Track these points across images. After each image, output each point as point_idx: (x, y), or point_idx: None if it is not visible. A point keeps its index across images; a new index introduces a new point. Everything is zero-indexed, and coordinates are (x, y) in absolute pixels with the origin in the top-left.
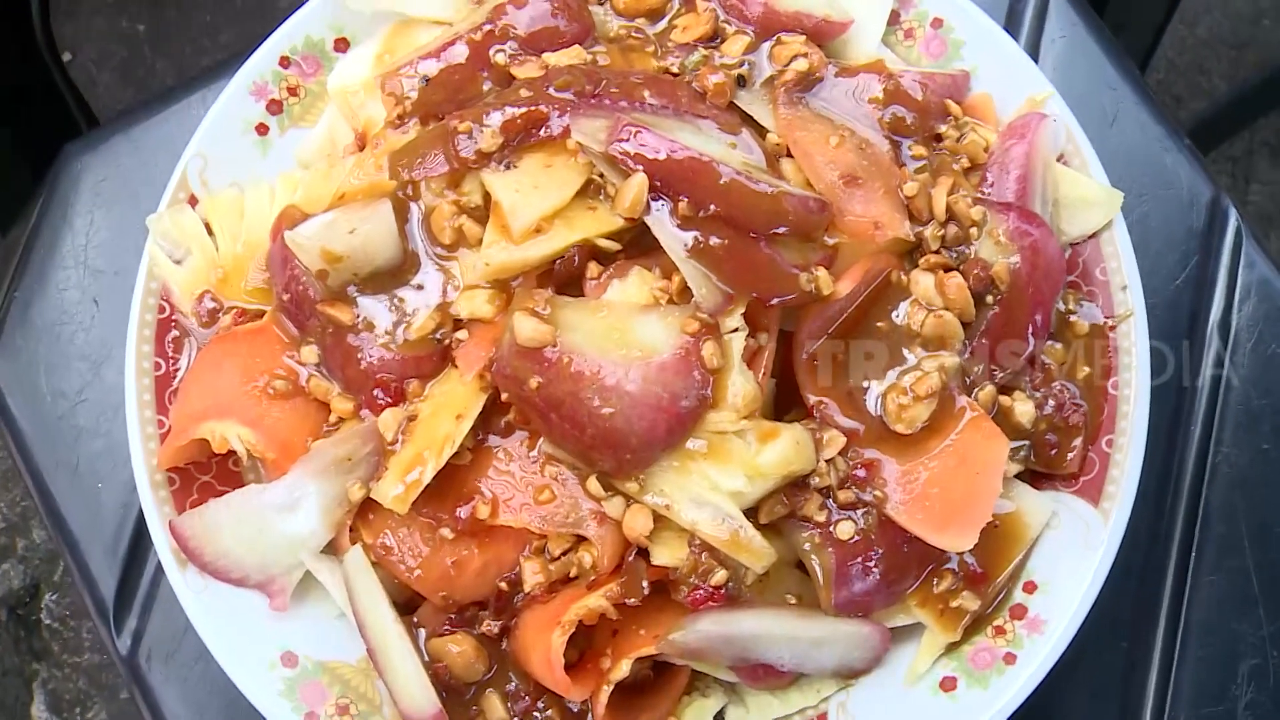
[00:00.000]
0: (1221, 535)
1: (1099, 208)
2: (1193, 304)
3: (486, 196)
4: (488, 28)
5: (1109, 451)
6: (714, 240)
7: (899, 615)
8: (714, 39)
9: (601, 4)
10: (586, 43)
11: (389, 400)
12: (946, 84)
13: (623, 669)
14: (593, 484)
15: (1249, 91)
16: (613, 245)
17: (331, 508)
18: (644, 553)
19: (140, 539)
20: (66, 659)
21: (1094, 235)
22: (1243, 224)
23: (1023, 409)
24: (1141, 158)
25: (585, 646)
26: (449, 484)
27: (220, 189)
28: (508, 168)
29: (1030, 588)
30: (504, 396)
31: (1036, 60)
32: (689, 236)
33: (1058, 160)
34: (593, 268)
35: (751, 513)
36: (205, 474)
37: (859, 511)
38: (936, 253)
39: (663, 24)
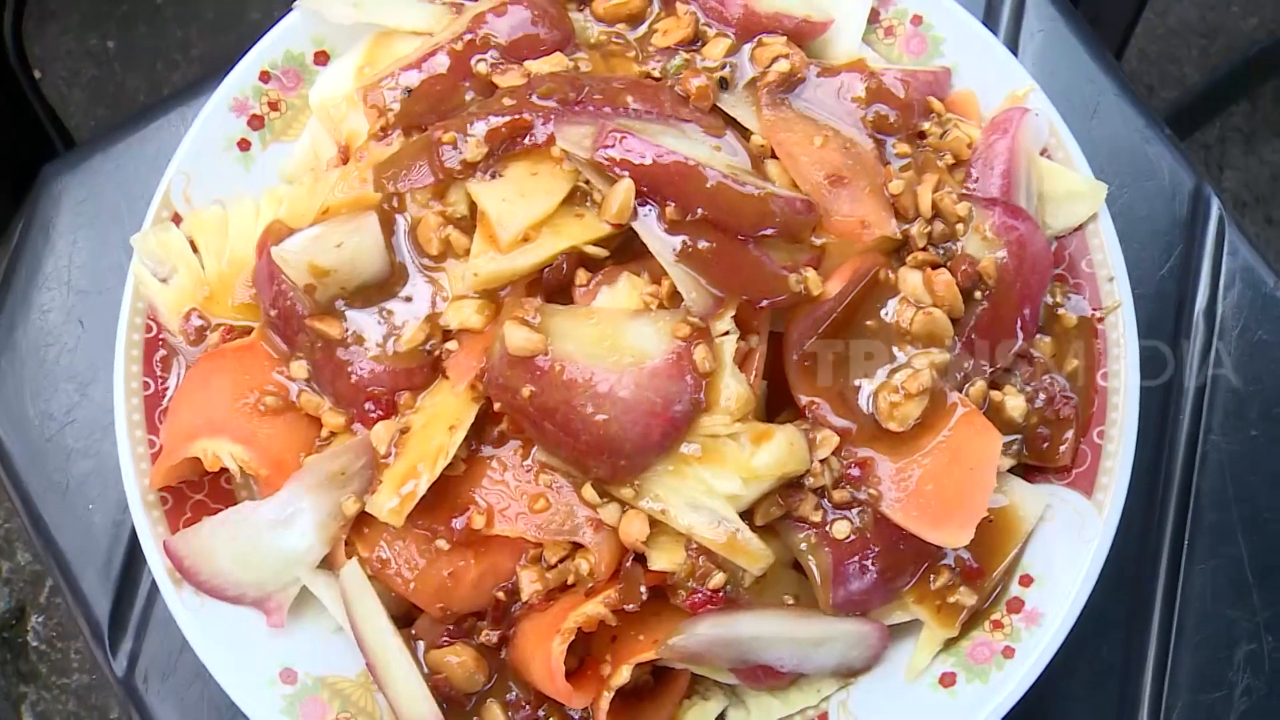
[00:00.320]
0: (1213, 523)
1: (1083, 200)
2: (1178, 293)
3: (472, 207)
4: (468, 37)
5: (1100, 443)
6: (702, 244)
7: (897, 612)
8: (695, 42)
9: (581, 10)
10: (567, 50)
11: (381, 413)
12: (928, 81)
13: (623, 675)
14: (588, 491)
15: (1220, 79)
16: (601, 252)
17: (326, 522)
18: (641, 558)
19: (133, 559)
20: (55, 680)
21: (1079, 228)
22: (1225, 212)
23: (1014, 403)
24: (1123, 149)
25: (584, 653)
26: (443, 495)
27: (204, 206)
28: (493, 177)
29: (1026, 581)
30: (496, 406)
31: (1016, 55)
32: (677, 241)
33: (1041, 154)
34: (581, 275)
35: (747, 515)
36: (198, 493)
37: (854, 510)
38: (924, 250)
39: (643, 29)
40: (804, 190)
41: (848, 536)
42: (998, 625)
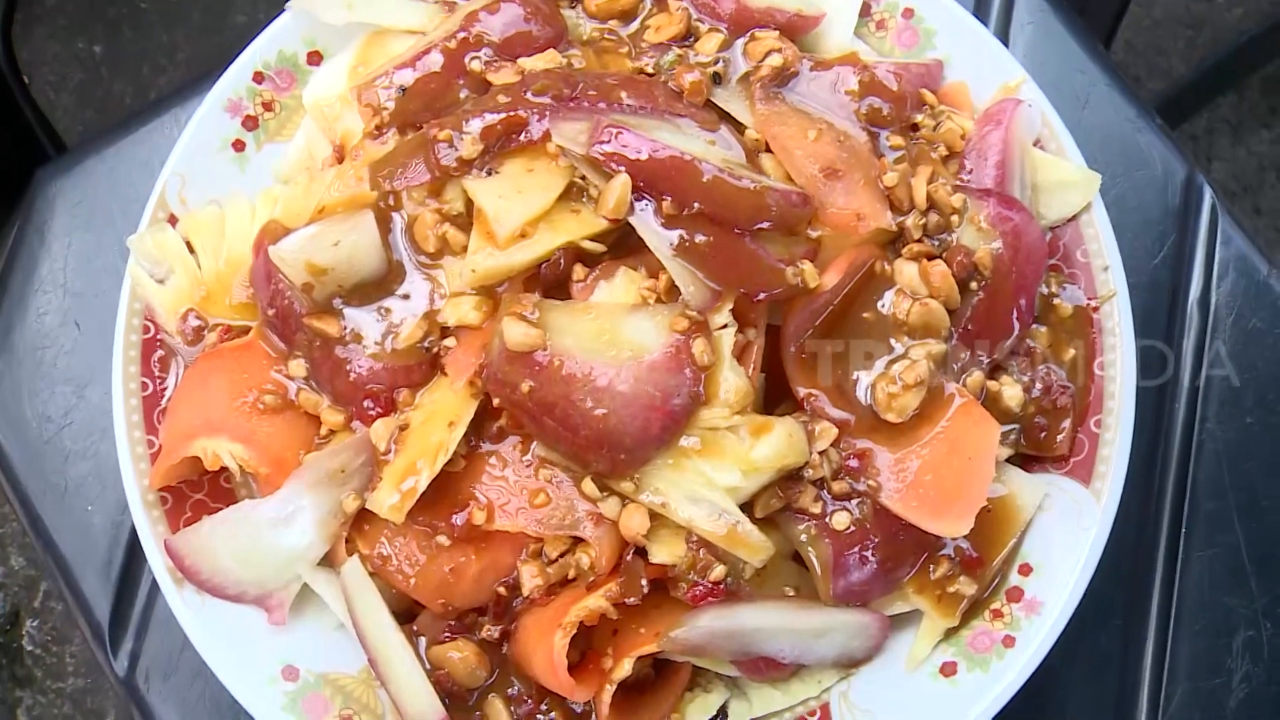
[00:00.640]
0: (1210, 511)
1: (1077, 190)
2: (1172, 283)
3: (468, 204)
4: (461, 35)
5: (1098, 432)
6: (699, 238)
7: (897, 603)
8: (687, 38)
9: (573, 7)
10: (560, 46)
11: (380, 411)
12: (921, 73)
13: (625, 668)
14: (588, 485)
15: (1207, 71)
16: (598, 247)
17: (327, 520)
18: (642, 552)
19: (133, 559)
20: (50, 685)
21: (1073, 218)
22: (1217, 200)
23: (1011, 393)
24: (1115, 139)
25: (586, 647)
26: (443, 491)
27: (199, 207)
28: (489, 174)
29: (1026, 570)
30: (495, 402)
31: (1007, 46)
32: (674, 235)
33: (1034, 145)
34: (579, 270)
35: (747, 507)
36: (197, 492)
37: (854, 502)
38: (919, 241)
39: (635, 25)
40: (799, 183)
41: (847, 528)
42: (998, 614)
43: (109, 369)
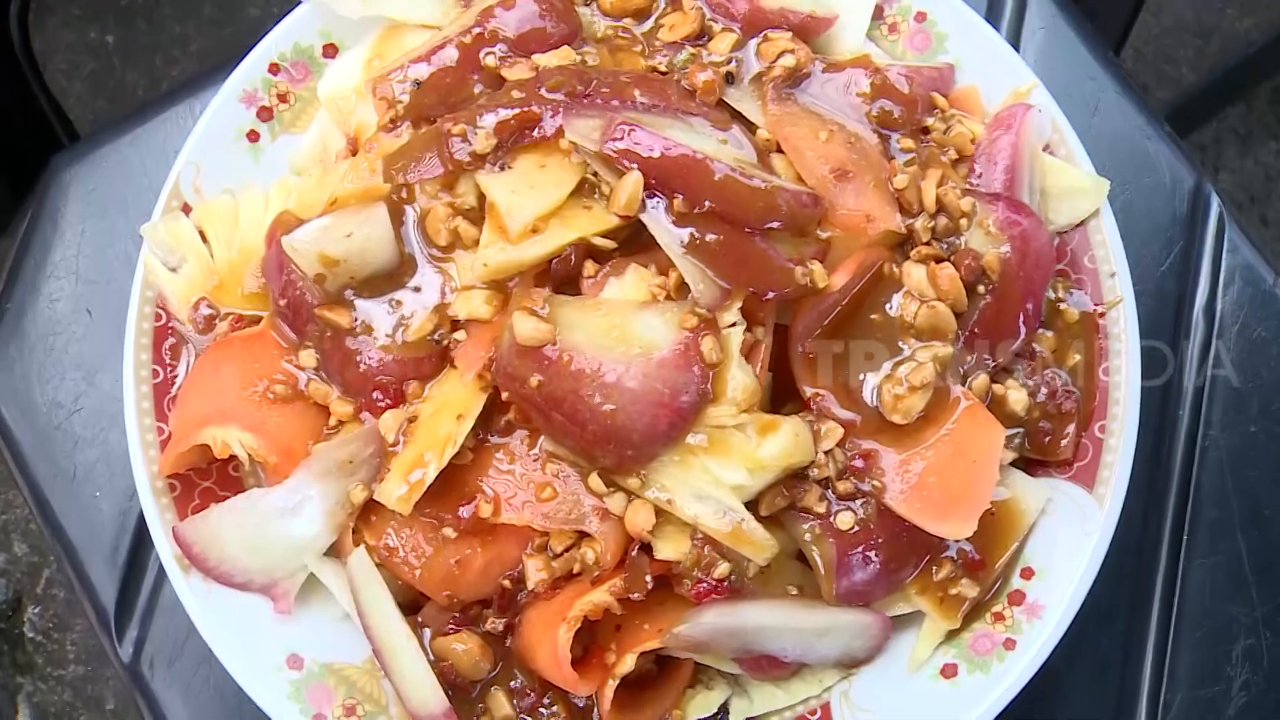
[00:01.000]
0: (1213, 519)
1: (1086, 196)
2: (1178, 290)
3: (481, 198)
4: (477, 30)
5: (1102, 437)
6: (709, 236)
7: (899, 604)
8: (701, 37)
9: (588, 4)
10: (575, 43)
11: (389, 402)
12: (932, 77)
13: (628, 663)
14: (594, 481)
15: (1216, 80)
16: (609, 243)
17: (334, 510)
18: (647, 547)
19: (140, 546)
20: (51, 672)
21: (1081, 224)
22: (1225, 209)
23: (1016, 397)
24: (1124, 146)
25: (589, 642)
26: (450, 484)
27: (213, 196)
28: (502, 169)
29: (1028, 573)
30: (504, 396)
31: (1018, 52)
32: (685, 233)
33: (1044, 150)
34: (589, 266)
35: (752, 505)
36: (206, 480)
37: (858, 502)
38: (927, 244)
39: (649, 23)
40: (809, 184)
41: (851, 528)
42: (999, 617)
43: (120, 356)
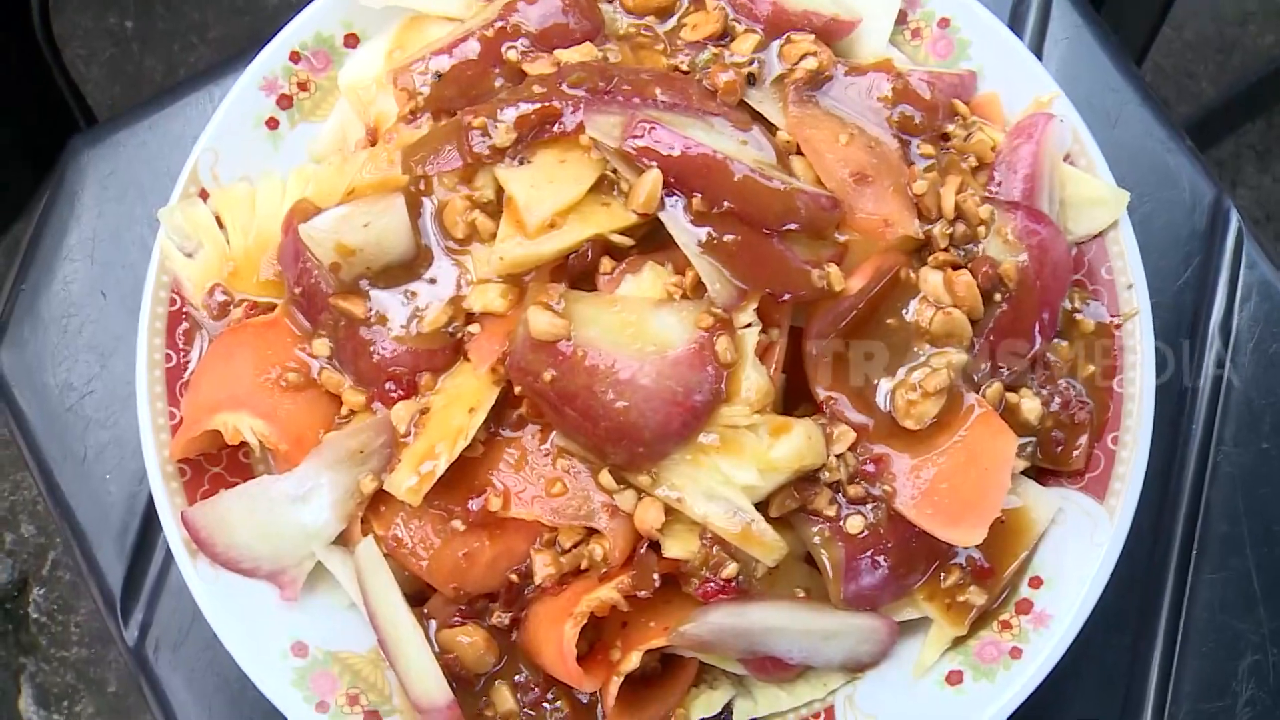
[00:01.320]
0: (1223, 534)
1: (1105, 207)
2: (1194, 304)
3: (499, 191)
4: (499, 24)
5: (1114, 449)
6: (727, 236)
7: (907, 609)
8: (723, 37)
9: (611, 2)
10: (597, 40)
11: (401, 393)
12: (954, 83)
13: (633, 661)
14: (605, 477)
15: (1235, 96)
16: (626, 240)
17: (343, 499)
18: (655, 545)
19: (148, 530)
20: (54, 653)
21: (1099, 234)
22: (1244, 225)
23: (1029, 406)
24: (1144, 158)
25: (595, 638)
26: (460, 476)
27: (231, 183)
28: (521, 163)
29: (1036, 583)
30: (517, 390)
31: (1040, 61)
32: (702, 232)
33: (1064, 160)
34: (606, 263)
35: (763, 506)
36: (216, 465)
37: (868, 506)
38: (945, 250)
39: (672, 22)
40: (828, 187)
41: (861, 532)
42: (1006, 626)
43: (133, 339)
